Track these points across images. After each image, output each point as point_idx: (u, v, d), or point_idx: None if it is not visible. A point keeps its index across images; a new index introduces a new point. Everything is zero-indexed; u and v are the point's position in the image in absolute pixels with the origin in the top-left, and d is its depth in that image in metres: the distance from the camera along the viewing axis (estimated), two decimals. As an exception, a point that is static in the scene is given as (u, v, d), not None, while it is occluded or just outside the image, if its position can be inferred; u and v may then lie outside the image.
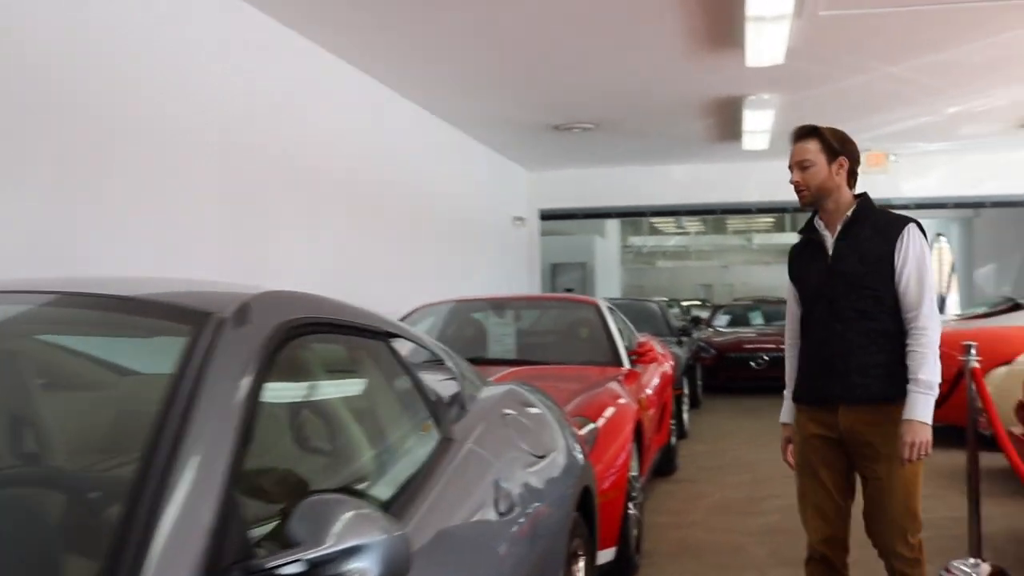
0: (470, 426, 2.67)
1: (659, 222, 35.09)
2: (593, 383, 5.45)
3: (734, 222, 37.13)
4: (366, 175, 8.43)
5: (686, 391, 10.25)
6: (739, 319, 17.15)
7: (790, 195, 3.55)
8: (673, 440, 7.94)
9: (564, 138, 11.64)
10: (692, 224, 36.48)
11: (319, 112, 7.56)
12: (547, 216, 14.99)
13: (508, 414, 2.99)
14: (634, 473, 5.07)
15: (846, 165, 3.42)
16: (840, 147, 3.43)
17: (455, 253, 11.14)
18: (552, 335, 7.02)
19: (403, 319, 6.89)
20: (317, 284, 7.62)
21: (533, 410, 3.37)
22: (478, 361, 6.04)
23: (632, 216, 15.35)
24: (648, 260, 43.52)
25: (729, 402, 13.12)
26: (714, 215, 14.68)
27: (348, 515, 1.46)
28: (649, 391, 6.21)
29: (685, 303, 32.38)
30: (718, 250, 41.20)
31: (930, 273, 3.27)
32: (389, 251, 9.06)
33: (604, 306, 6.78)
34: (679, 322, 14.76)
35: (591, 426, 4.63)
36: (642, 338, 7.61)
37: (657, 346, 7.84)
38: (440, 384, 2.82)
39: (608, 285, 26.57)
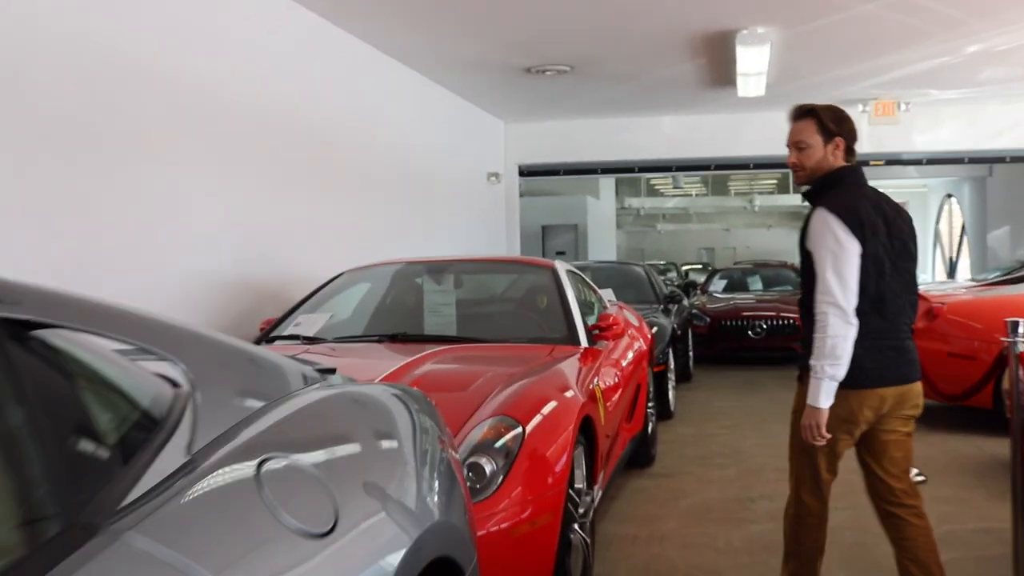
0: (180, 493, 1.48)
1: (657, 182, 33.90)
2: (535, 368, 4.32)
3: (736, 183, 35.91)
4: (297, 120, 7.27)
5: (672, 365, 9.13)
6: (737, 284, 15.91)
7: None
8: (651, 425, 6.82)
9: (538, 83, 10.44)
10: (692, 185, 35.27)
11: (235, 39, 6.40)
12: (526, 172, 13.81)
13: (276, 459, 1.78)
14: (579, 486, 3.95)
15: (842, 145, 3.42)
16: (836, 127, 3.43)
17: (416, 213, 9.98)
18: (496, 306, 5.90)
19: (323, 286, 5.77)
20: (230, 247, 6.54)
21: (372, 434, 2.25)
22: (401, 338, 4.98)
23: (620, 172, 14.15)
24: (648, 223, 42.34)
25: (724, 375, 12.01)
26: (709, 171, 13.45)
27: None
28: (610, 375, 5.08)
29: (686, 267, 31.29)
30: (719, 212, 39.94)
31: (825, 255, 3.25)
32: (332, 210, 7.92)
33: (562, 270, 5.65)
34: (669, 287, 13.69)
35: (514, 432, 3.51)
36: (612, 308, 6.49)
37: (631, 317, 6.72)
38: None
39: (602, 248, 25.41)
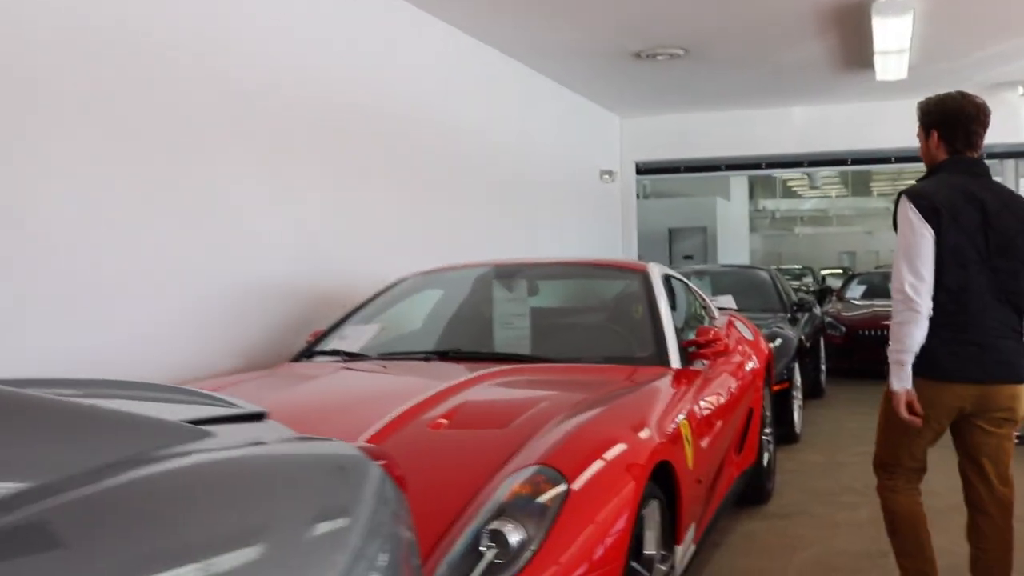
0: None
1: (793, 183, 32.38)
2: (604, 397, 3.46)
3: (878, 182, 34.05)
4: (376, 114, 6.56)
5: (798, 381, 8.09)
6: (878, 290, 14.47)
7: None
8: (767, 455, 5.85)
9: (651, 70, 9.50)
10: (831, 185, 33.59)
11: (305, 23, 5.72)
12: (644, 170, 12.86)
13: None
14: (650, 552, 3.06)
15: (936, 135, 3.42)
16: (928, 119, 3.47)
17: (513, 213, 9.17)
18: (573, 317, 5.03)
19: (381, 293, 5.03)
20: (294, 250, 5.85)
21: (233, 530, 1.41)
22: (453, 356, 4.18)
23: (746, 169, 13.03)
24: (786, 226, 40.74)
25: (860, 391, 10.79)
26: (845, 165, 12.25)
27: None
28: (708, 403, 4.15)
29: (825, 272, 29.65)
30: (861, 214, 37.95)
31: (900, 241, 3.27)
32: (415, 211, 7.19)
33: (657, 276, 4.75)
34: (800, 293, 12.58)
35: (556, 489, 2.66)
36: (721, 320, 5.56)
37: (743, 330, 5.77)
38: None
39: (734, 252, 24.19)
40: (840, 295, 14.19)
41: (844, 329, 12.07)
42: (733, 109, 11.97)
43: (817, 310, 11.03)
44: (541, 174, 9.85)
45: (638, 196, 23.28)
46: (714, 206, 22.46)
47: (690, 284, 5.64)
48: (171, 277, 4.77)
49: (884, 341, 9.84)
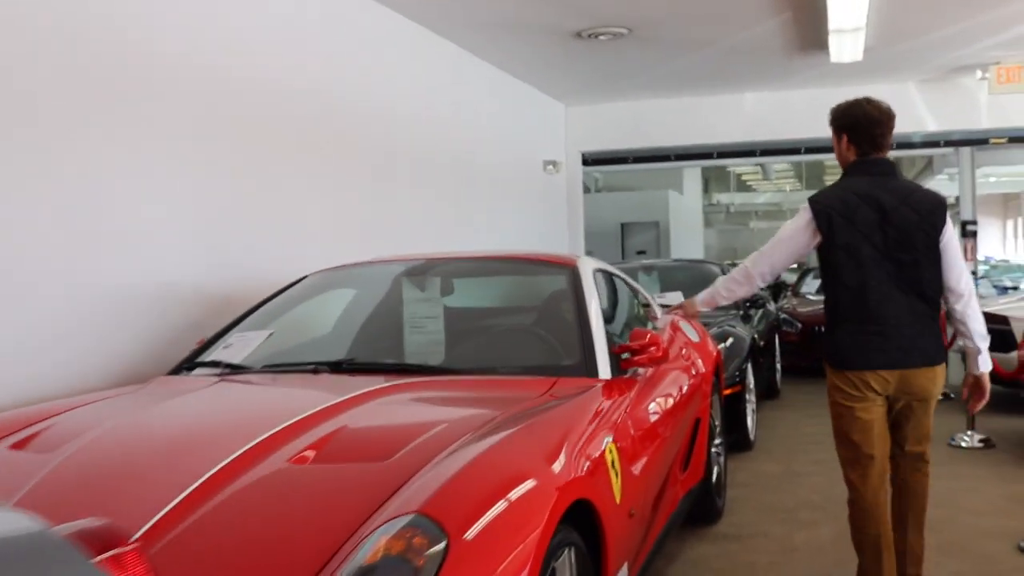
0: None
1: (747, 176, 32.01)
2: (512, 418, 2.85)
3: (832, 175, 33.76)
4: (295, 90, 5.90)
5: (752, 383, 7.55)
6: None
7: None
8: (717, 469, 5.29)
9: (592, 51, 8.91)
10: (785, 179, 33.26)
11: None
12: (591, 160, 12.26)
13: None
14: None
15: (845, 138, 3.68)
16: (839, 122, 3.73)
17: (454, 207, 8.54)
18: (490, 320, 4.41)
19: (278, 294, 4.40)
20: (191, 241, 5.15)
21: None
22: (347, 368, 3.56)
23: (696, 159, 12.50)
24: (740, 220, 40.35)
25: (817, 391, 10.18)
26: (798, 155, 11.73)
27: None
28: (644, 419, 3.56)
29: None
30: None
31: (779, 232, 3.87)
32: (336, 200, 6.54)
33: (587, 271, 4.15)
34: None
35: (433, 549, 2.04)
36: (663, 320, 4.99)
37: (689, 331, 5.20)
38: None
39: (687, 247, 23.65)
40: (795, 290, 13.72)
41: (799, 326, 11.61)
42: (683, 96, 11.42)
43: (771, 306, 10.51)
44: (481, 164, 9.22)
45: (589, 190, 22.78)
46: (667, 200, 21.87)
47: (628, 280, 5.06)
48: (35, 278, 4.11)
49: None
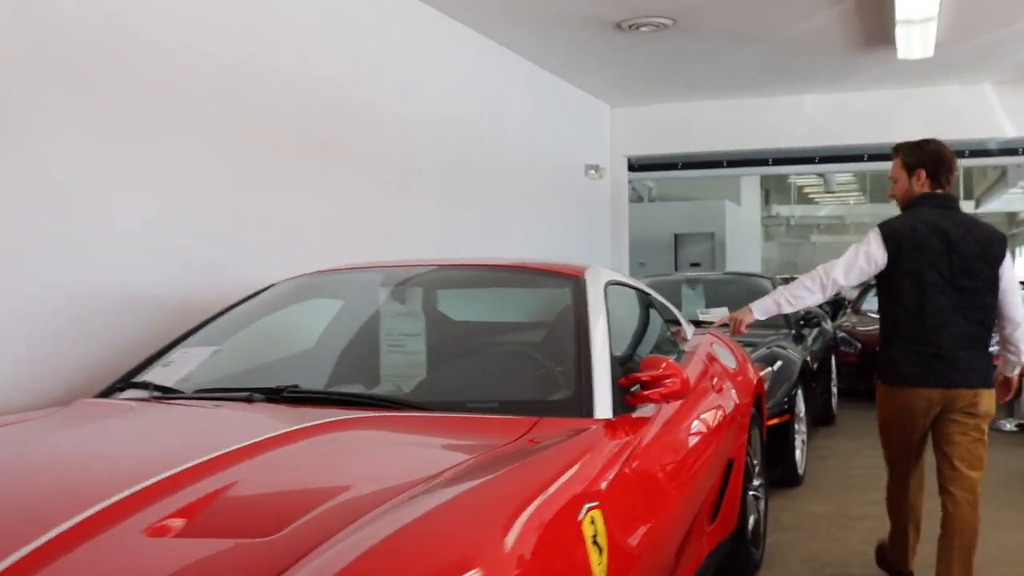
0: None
1: (809, 188, 31.00)
2: (464, 473, 2.18)
3: (898, 189, 32.58)
4: (301, 86, 5.30)
5: (802, 411, 6.78)
6: None
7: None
8: (755, 517, 4.56)
9: (635, 44, 8.21)
10: (848, 193, 32.18)
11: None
12: (638, 166, 11.55)
13: None
14: None
15: (922, 174, 3.91)
16: (914, 160, 3.93)
17: (479, 214, 7.89)
18: (473, 341, 3.69)
19: (244, 301, 3.78)
20: (160, 241, 4.41)
21: None
22: (288, 397, 2.92)
23: (750, 165, 11.70)
24: (801, 234, 39.25)
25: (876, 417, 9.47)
26: (861, 161, 10.92)
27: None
28: (650, 472, 2.86)
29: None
30: (879, 222, 36.44)
31: (848, 252, 4.04)
32: (345, 204, 5.94)
33: (597, 284, 3.46)
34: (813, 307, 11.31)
35: None
36: (692, 342, 4.29)
37: (724, 355, 4.49)
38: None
39: (744, 260, 22.79)
40: (855, 307, 12.84)
41: (859, 346, 10.75)
42: (736, 97, 10.65)
43: (828, 324, 9.71)
44: (514, 169, 8.56)
45: (641, 199, 22.06)
46: (723, 210, 21.06)
47: (653, 295, 4.35)
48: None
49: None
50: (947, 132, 10.30)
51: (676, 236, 21.08)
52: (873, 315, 11.95)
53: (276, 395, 2.95)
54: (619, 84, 10.18)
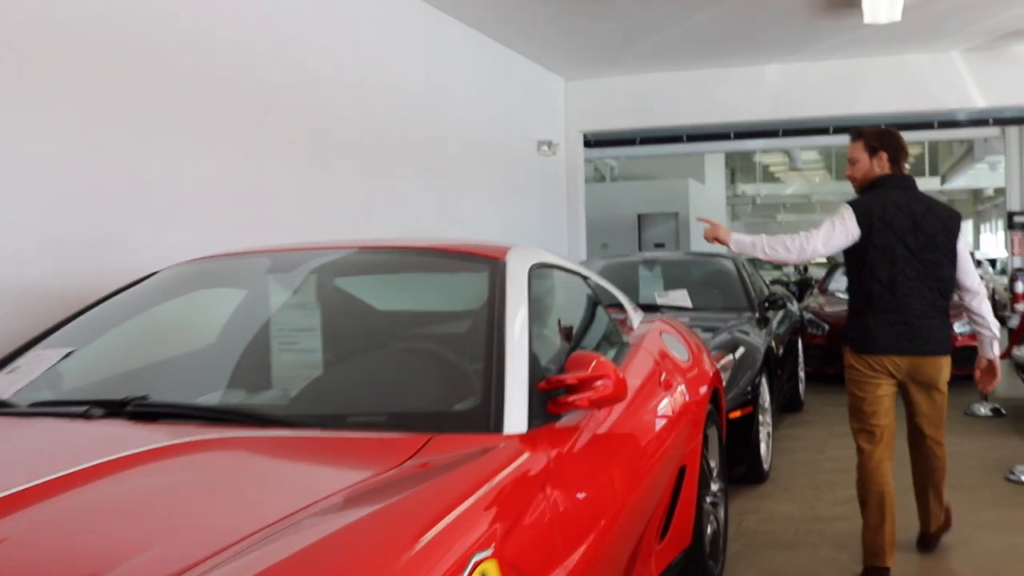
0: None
1: (774, 167, 30.67)
2: (309, 519, 1.64)
3: (864, 166, 32.32)
4: (208, 48, 4.72)
5: (767, 401, 6.30)
6: None
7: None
8: (712, 526, 4.06)
9: (590, 10, 7.67)
10: (814, 170, 31.89)
11: None
12: (594, 141, 11.05)
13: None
14: None
15: (885, 157, 4.14)
16: (879, 144, 4.15)
17: (417, 190, 7.34)
18: (368, 341, 3.11)
19: (118, 293, 3.21)
20: (51, 224, 3.73)
21: None
22: (133, 412, 2.36)
23: (711, 140, 11.24)
24: (767, 213, 39.02)
25: (845, 402, 9.02)
26: (826, 135, 10.45)
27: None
28: (573, 497, 2.33)
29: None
30: (845, 199, 36.15)
31: (823, 226, 4.20)
32: (279, 181, 5.39)
33: (519, 268, 2.91)
34: (778, 286, 10.88)
35: None
36: (638, 331, 3.77)
37: (675, 345, 3.97)
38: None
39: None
40: (822, 287, 12.40)
41: (827, 327, 10.30)
42: (696, 68, 10.15)
43: (794, 306, 9.24)
44: (457, 144, 8.01)
45: (603, 178, 21.58)
46: (687, 189, 20.60)
47: (593, 279, 3.82)
48: None
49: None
50: (914, 102, 9.90)
51: (639, 216, 20.62)
52: (841, 295, 11.52)
53: (120, 409, 2.40)
54: (573, 55, 9.65)
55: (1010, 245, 12.59)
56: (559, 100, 10.64)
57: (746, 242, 4.25)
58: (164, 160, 4.64)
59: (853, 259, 4.14)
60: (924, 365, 4.07)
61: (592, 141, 11.03)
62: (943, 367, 4.11)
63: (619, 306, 4.12)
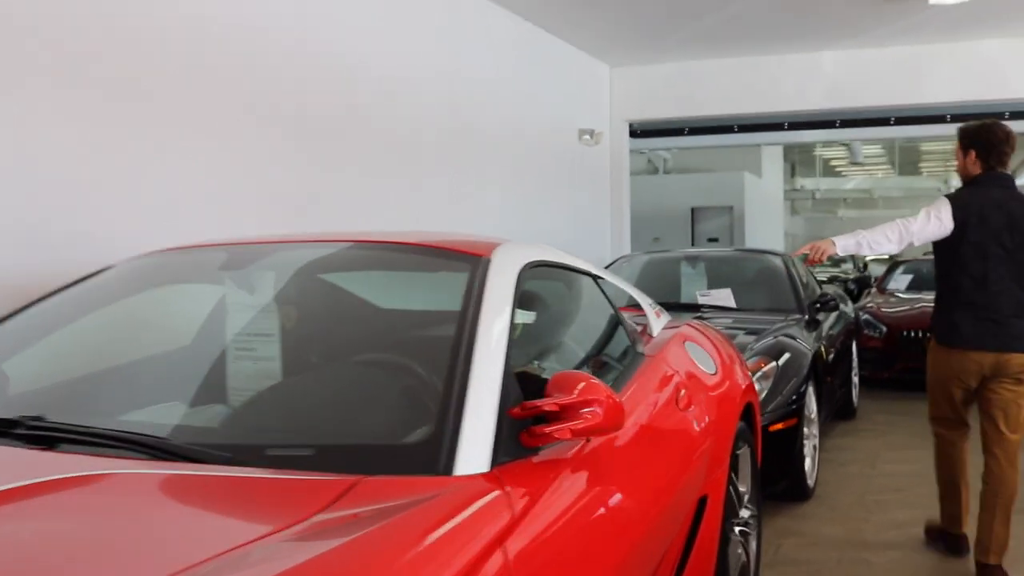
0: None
1: (835, 160, 29.79)
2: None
3: (928, 161, 31.35)
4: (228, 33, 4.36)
5: (814, 412, 5.80)
6: (927, 280, 11.97)
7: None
8: (742, 558, 3.60)
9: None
10: (876, 165, 30.94)
11: None
12: (640, 132, 10.53)
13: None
14: None
15: (973, 155, 4.18)
16: (970, 142, 4.21)
17: (442, 183, 6.93)
18: (317, 353, 2.65)
19: (66, 288, 2.85)
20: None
21: None
22: (34, 433, 1.95)
23: (763, 130, 10.68)
24: (828, 208, 37.98)
25: (902, 409, 8.47)
26: (887, 126, 9.85)
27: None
28: (546, 551, 1.88)
29: (871, 258, 26.93)
30: (908, 196, 34.92)
31: (921, 216, 4.24)
32: (279, 173, 5.04)
33: (506, 267, 2.49)
34: (833, 285, 10.33)
35: None
36: (659, 339, 3.33)
37: (698, 357, 3.53)
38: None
39: (766, 235, 21.69)
40: (880, 286, 11.77)
41: (884, 329, 9.72)
42: (747, 55, 9.61)
43: (848, 306, 8.69)
44: (488, 133, 7.58)
45: (656, 171, 21.00)
46: (742, 183, 19.95)
47: (608, 280, 3.37)
48: None
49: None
50: (984, 91, 9.27)
51: (693, 210, 20.04)
52: (902, 295, 10.90)
53: (10, 430, 2.02)
54: (619, 40, 9.18)
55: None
56: (603, 88, 10.17)
57: (851, 244, 4.32)
58: (169, 159, 4.28)
59: (945, 252, 4.20)
60: (1010, 362, 4.05)
61: (639, 131, 10.53)
62: None
63: (637, 307, 3.67)
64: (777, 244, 22.62)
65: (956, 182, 32.92)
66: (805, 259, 4.74)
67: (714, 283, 7.21)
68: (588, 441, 2.25)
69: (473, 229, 6.76)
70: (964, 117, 9.93)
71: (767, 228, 22.68)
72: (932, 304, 9.16)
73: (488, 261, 2.49)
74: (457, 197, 7.04)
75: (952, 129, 10.48)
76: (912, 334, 9.49)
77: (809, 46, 9.32)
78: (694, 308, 6.68)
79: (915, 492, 5.58)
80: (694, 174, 20.38)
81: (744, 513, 3.67)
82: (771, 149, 22.28)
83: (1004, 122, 4.30)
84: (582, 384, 2.06)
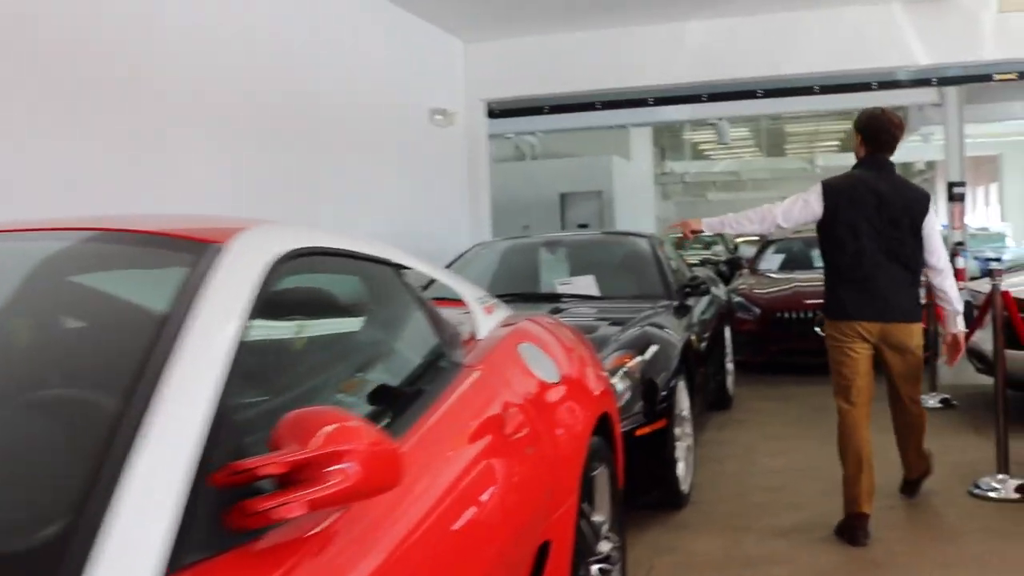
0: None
1: (703, 144, 29.82)
2: None
3: (793, 143, 31.69)
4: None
5: (686, 409, 5.24)
6: (799, 260, 11.56)
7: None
8: (607, 557, 2.97)
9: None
10: (744, 148, 31.12)
11: None
12: (499, 111, 9.88)
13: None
14: None
15: (858, 139, 4.56)
16: (858, 126, 4.58)
17: (273, 164, 6.16)
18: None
19: None
20: None
21: None
22: None
23: (627, 106, 10.21)
24: (698, 192, 38.21)
25: (780, 395, 8.04)
26: (754, 98, 9.43)
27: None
28: None
29: (740, 239, 26.90)
30: (776, 178, 35.35)
31: (793, 198, 4.65)
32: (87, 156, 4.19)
33: (250, 260, 1.79)
34: (705, 268, 9.89)
35: None
36: (481, 348, 2.65)
37: (537, 364, 2.85)
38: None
39: (636, 219, 21.36)
40: (752, 267, 11.39)
41: (757, 311, 9.32)
42: (609, 27, 9.06)
43: (720, 289, 8.23)
44: (327, 110, 6.82)
45: (523, 156, 20.48)
46: (610, 167, 19.59)
47: (411, 268, 2.67)
48: None
49: (806, 326, 6.98)
50: (850, 61, 8.91)
51: (562, 196, 19.59)
52: (774, 275, 10.53)
53: None
54: (472, 14, 8.52)
55: (950, 218, 11.69)
56: (457, 65, 9.48)
57: (715, 222, 4.64)
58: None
59: (824, 233, 4.46)
60: (894, 331, 4.37)
61: (497, 111, 9.89)
62: (914, 332, 4.44)
63: (458, 302, 2.98)
64: (649, 228, 22.32)
65: (821, 162, 33.36)
66: (681, 235, 4.92)
67: (577, 270, 6.62)
68: (355, 506, 1.56)
69: (304, 219, 6.03)
70: (832, 88, 9.61)
71: (638, 212, 22.38)
72: (806, 284, 8.96)
73: (219, 249, 1.77)
74: (286, 177, 6.26)
75: (820, 101, 10.11)
76: (786, 315, 9.10)
77: (672, 16, 8.82)
78: (554, 298, 6.08)
79: (797, 490, 5.11)
80: (562, 159, 19.94)
81: (604, 547, 3.03)
82: (640, 133, 22.01)
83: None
84: (330, 428, 1.38)
